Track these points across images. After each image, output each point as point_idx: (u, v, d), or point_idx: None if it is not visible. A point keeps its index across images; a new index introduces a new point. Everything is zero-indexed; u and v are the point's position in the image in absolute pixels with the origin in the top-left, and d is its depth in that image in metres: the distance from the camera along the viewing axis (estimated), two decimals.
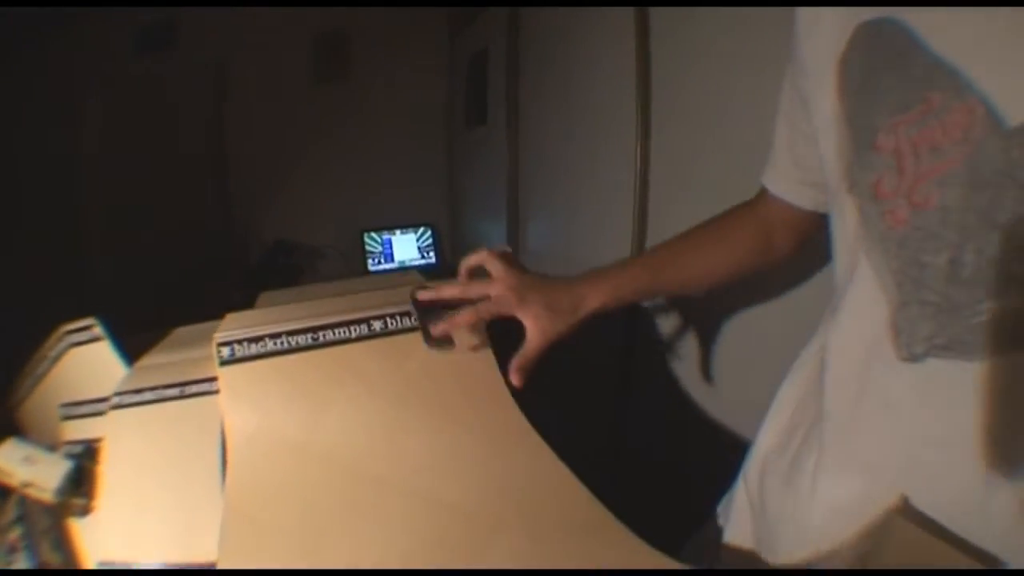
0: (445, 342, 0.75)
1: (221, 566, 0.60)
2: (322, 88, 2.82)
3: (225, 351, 0.76)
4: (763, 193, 0.75)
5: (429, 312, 0.77)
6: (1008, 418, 0.38)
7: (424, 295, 0.78)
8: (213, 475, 0.76)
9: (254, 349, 0.76)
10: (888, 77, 0.44)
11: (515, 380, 0.71)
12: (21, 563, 0.77)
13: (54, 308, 1.09)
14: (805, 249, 0.78)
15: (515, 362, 0.71)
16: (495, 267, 0.75)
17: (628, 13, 1.46)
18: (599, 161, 1.70)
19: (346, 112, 2.83)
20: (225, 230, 2.75)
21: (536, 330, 0.71)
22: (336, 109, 2.82)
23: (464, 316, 0.72)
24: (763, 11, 0.84)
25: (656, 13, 1.41)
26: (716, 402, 1.26)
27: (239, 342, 0.76)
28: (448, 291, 0.76)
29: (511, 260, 0.77)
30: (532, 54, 2.13)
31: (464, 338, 0.77)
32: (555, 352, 0.74)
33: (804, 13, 0.56)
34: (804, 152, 0.62)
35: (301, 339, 0.77)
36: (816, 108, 0.55)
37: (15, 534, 0.81)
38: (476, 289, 0.74)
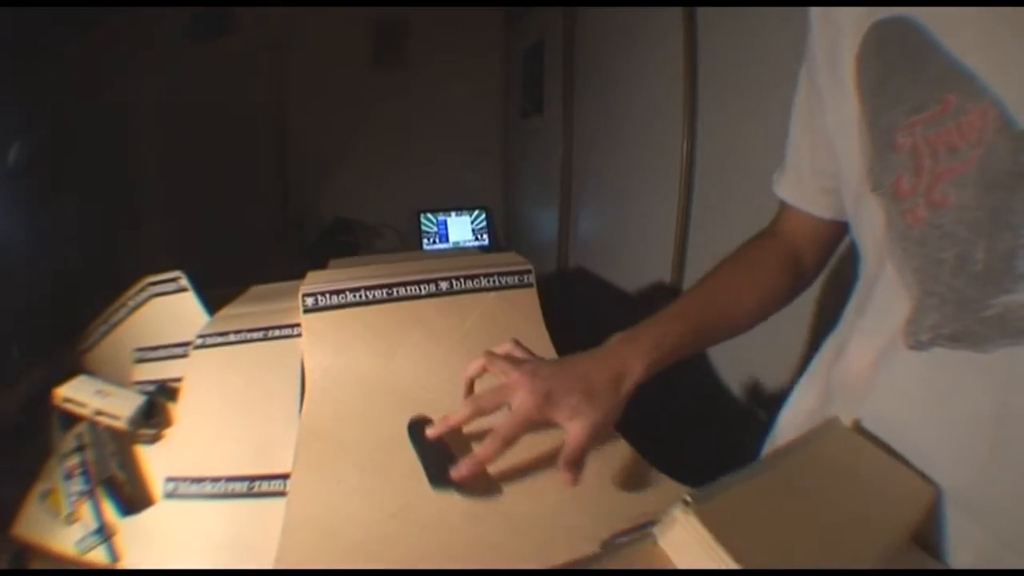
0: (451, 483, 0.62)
1: (295, 474, 0.69)
2: (381, 73, 2.90)
3: (309, 300, 0.87)
4: (782, 213, 0.71)
5: (433, 447, 0.65)
6: (1020, 407, 0.39)
7: (434, 431, 0.65)
8: (290, 405, 0.86)
9: (335, 300, 0.87)
10: (904, 77, 0.44)
11: (568, 480, 0.58)
12: (77, 486, 0.87)
13: (113, 278, 1.22)
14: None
15: (563, 461, 0.58)
16: (505, 370, 0.62)
17: (676, 13, 1.50)
18: (647, 153, 1.75)
19: (404, 97, 2.91)
20: (284, 206, 2.87)
21: (578, 428, 0.58)
22: (394, 94, 2.89)
23: (489, 449, 0.58)
24: (807, 10, 0.86)
25: (703, 13, 1.45)
26: (746, 390, 1.33)
27: (322, 293, 0.87)
28: (458, 417, 0.62)
29: (519, 355, 0.66)
30: (587, 47, 2.18)
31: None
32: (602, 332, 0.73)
33: (817, 9, 0.55)
34: (825, 157, 0.59)
35: (377, 293, 0.88)
36: (833, 106, 0.54)
37: (73, 461, 0.91)
38: (490, 402, 0.61)
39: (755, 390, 1.29)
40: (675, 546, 0.35)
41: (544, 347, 0.87)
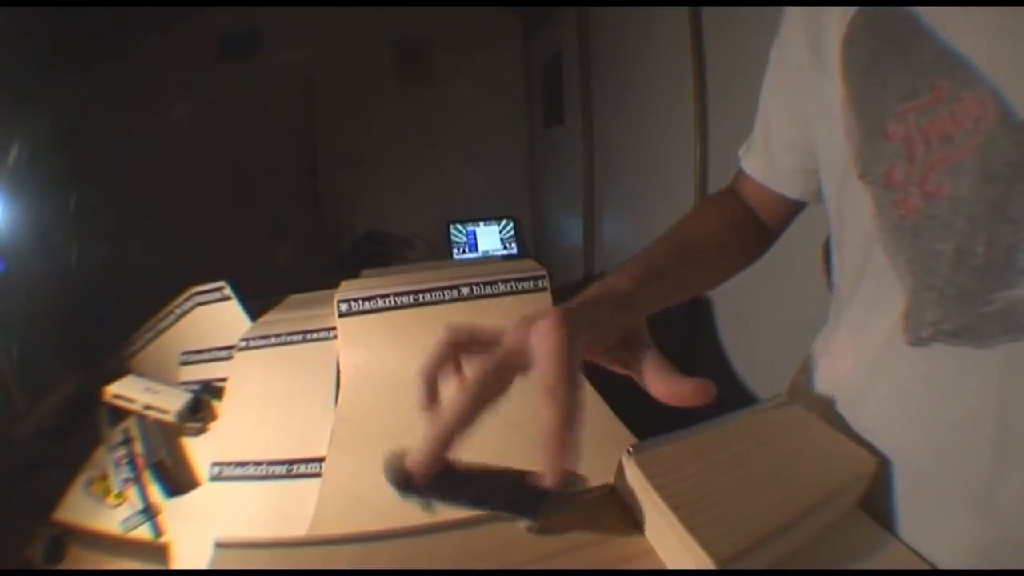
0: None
1: (330, 455, 0.77)
2: (406, 89, 3.00)
3: (343, 306, 0.96)
4: (743, 185, 0.69)
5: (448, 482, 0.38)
6: (1021, 403, 0.38)
7: (431, 451, 0.37)
8: (326, 399, 0.95)
9: (367, 305, 0.96)
10: (895, 62, 0.42)
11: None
12: (124, 473, 0.94)
13: (152, 294, 1.31)
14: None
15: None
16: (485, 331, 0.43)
17: (682, 14, 1.53)
18: (663, 156, 1.79)
19: (430, 112, 3.01)
20: (318, 221, 2.98)
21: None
22: (421, 109, 3.00)
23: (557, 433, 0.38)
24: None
25: (708, 13, 1.48)
26: (746, 388, 1.37)
27: (355, 299, 0.96)
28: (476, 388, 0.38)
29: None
30: (602, 55, 2.23)
31: None
32: None
33: None
34: (799, 135, 0.58)
35: (405, 299, 0.96)
36: (815, 88, 0.52)
37: (121, 452, 0.99)
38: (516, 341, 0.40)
39: (754, 388, 1.33)
40: (624, 489, 0.40)
41: None
